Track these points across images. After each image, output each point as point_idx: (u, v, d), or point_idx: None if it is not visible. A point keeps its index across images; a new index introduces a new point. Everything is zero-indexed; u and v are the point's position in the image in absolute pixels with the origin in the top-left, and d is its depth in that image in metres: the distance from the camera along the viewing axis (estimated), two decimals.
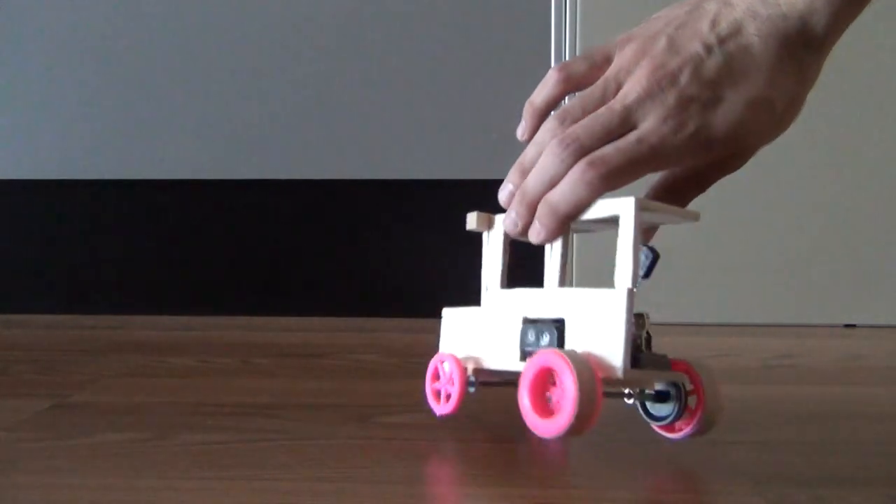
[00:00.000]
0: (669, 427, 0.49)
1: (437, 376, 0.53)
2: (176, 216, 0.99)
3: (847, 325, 0.89)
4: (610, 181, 0.41)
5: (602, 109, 0.42)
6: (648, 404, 0.50)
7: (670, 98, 0.40)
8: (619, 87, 0.43)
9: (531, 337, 0.45)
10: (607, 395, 0.42)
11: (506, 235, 0.49)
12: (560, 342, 0.43)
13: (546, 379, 0.41)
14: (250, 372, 0.71)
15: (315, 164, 0.96)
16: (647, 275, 0.38)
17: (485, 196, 0.56)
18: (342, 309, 0.97)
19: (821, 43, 0.43)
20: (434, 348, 0.56)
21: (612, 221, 0.42)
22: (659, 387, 0.48)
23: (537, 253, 0.47)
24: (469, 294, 0.53)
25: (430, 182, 0.93)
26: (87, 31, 0.96)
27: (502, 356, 0.48)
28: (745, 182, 0.88)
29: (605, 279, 0.41)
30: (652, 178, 0.47)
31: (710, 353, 0.78)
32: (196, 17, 0.94)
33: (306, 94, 0.96)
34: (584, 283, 0.90)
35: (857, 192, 0.87)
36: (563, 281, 0.45)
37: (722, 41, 0.42)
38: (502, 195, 0.47)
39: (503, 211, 0.47)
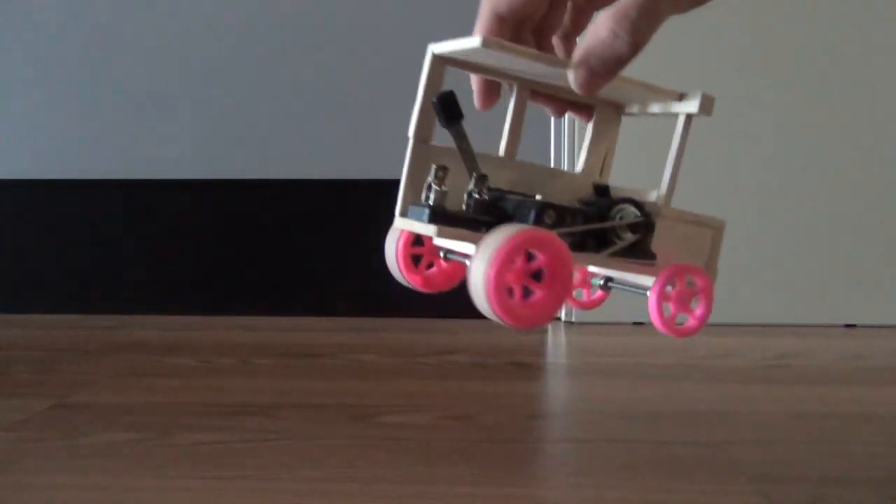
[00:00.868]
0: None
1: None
2: (176, 216, 0.99)
3: (847, 325, 0.89)
4: None
5: None
6: None
7: None
8: None
9: None
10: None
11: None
12: None
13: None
14: (250, 372, 0.71)
15: (315, 164, 0.96)
16: (447, 122, 0.33)
17: None
18: (342, 309, 0.97)
19: None
20: (435, 349, 0.56)
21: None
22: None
23: None
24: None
25: None
26: (88, 31, 0.96)
27: None
28: (745, 182, 0.88)
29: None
30: None
31: (709, 353, 0.78)
32: (196, 17, 0.94)
33: (306, 95, 0.96)
34: None
35: (857, 193, 0.87)
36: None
37: None
38: None
39: None
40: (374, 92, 0.95)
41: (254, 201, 0.98)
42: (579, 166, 0.39)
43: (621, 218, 0.35)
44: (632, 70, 0.34)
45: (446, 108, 0.33)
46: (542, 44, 0.39)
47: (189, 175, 0.97)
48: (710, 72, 0.85)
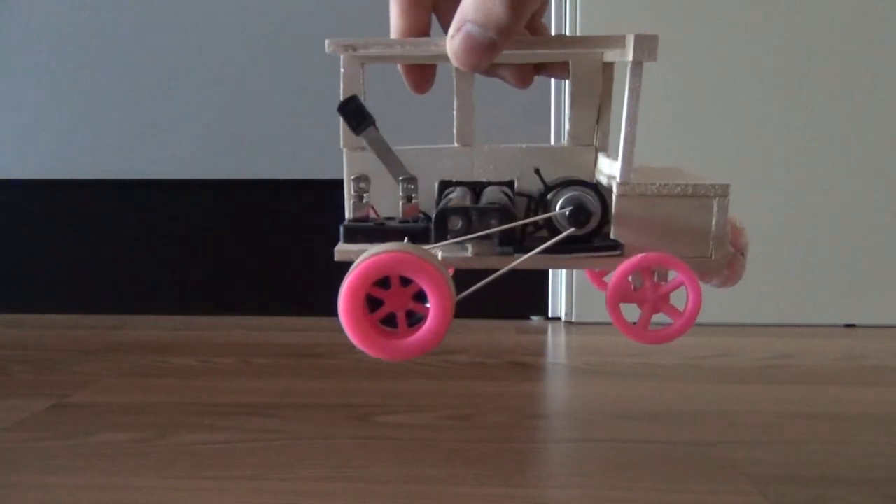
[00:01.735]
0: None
1: None
2: (175, 216, 0.99)
3: (847, 325, 0.89)
4: None
5: None
6: None
7: None
8: None
9: None
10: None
11: None
12: None
13: None
14: (250, 372, 0.71)
15: (315, 164, 0.96)
16: (356, 129, 0.30)
17: None
18: None
19: None
20: (435, 348, 0.56)
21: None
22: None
23: None
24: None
25: None
26: (87, 31, 0.96)
27: None
28: (745, 182, 0.88)
29: None
30: None
31: (710, 353, 0.78)
32: (197, 17, 0.94)
33: (306, 95, 0.96)
34: None
35: (857, 193, 0.87)
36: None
37: None
38: None
39: None
40: (375, 91, 0.95)
41: (254, 201, 0.98)
42: (565, 135, 0.33)
43: (560, 209, 0.29)
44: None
45: (351, 115, 0.31)
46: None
47: (189, 175, 0.97)
48: (709, 70, 0.85)
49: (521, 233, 0.29)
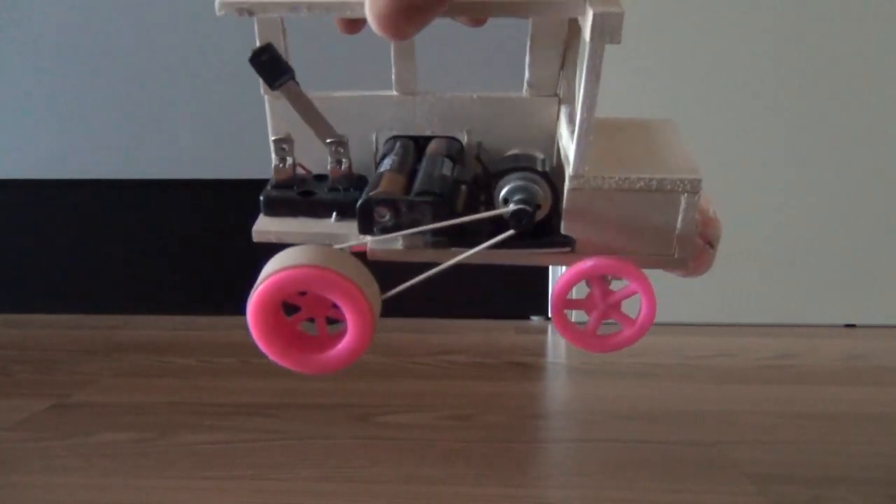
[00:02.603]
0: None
1: None
2: (176, 216, 0.99)
3: (847, 325, 0.89)
4: None
5: None
6: None
7: None
8: None
9: None
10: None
11: None
12: None
13: None
14: (250, 372, 0.71)
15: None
16: (271, 83, 0.26)
17: None
18: None
19: None
20: (435, 349, 0.56)
21: None
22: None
23: None
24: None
25: None
26: (87, 31, 0.96)
27: None
28: (745, 182, 0.88)
29: None
30: None
31: (710, 353, 0.78)
32: (197, 17, 0.94)
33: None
34: None
35: (857, 192, 0.87)
36: None
37: None
38: None
39: None
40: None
41: (254, 201, 0.98)
42: (524, 84, 0.29)
43: (505, 201, 0.25)
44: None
45: (265, 68, 0.26)
46: None
47: (189, 175, 0.97)
48: (710, 65, 0.85)
49: (460, 212, 0.26)
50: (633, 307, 0.27)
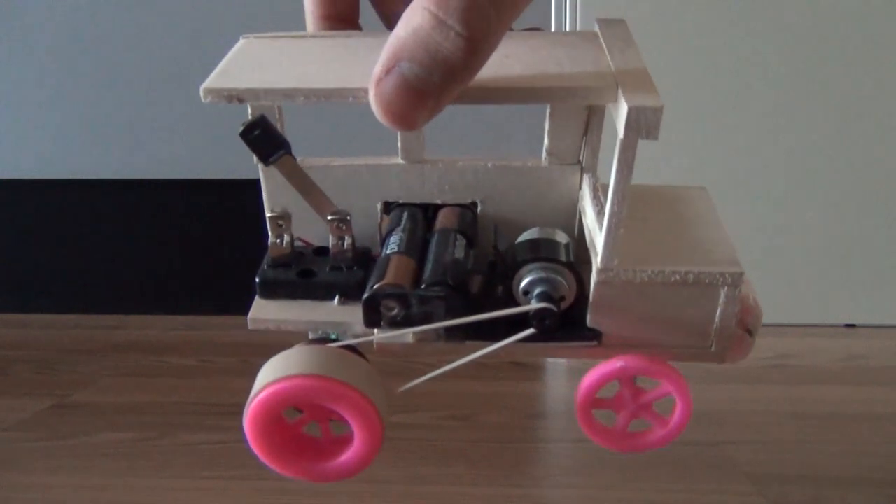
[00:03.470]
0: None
1: None
2: (176, 216, 0.99)
3: (847, 325, 0.89)
4: None
5: None
6: None
7: None
8: None
9: None
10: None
11: None
12: None
13: None
14: (250, 372, 0.71)
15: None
16: (265, 159, 0.24)
17: None
18: None
19: None
20: None
21: None
22: None
23: None
24: None
25: None
26: (87, 31, 0.96)
27: None
28: (745, 182, 0.88)
29: None
30: None
31: None
32: (197, 17, 0.94)
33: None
34: None
35: (857, 193, 0.87)
36: None
37: None
38: None
39: None
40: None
41: (254, 201, 0.98)
42: (543, 151, 0.26)
43: (525, 293, 0.23)
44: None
45: (257, 143, 0.24)
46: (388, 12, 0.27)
47: (189, 175, 0.97)
48: (712, 67, 0.85)
49: (475, 300, 0.24)
50: (666, 404, 0.25)
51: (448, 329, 0.24)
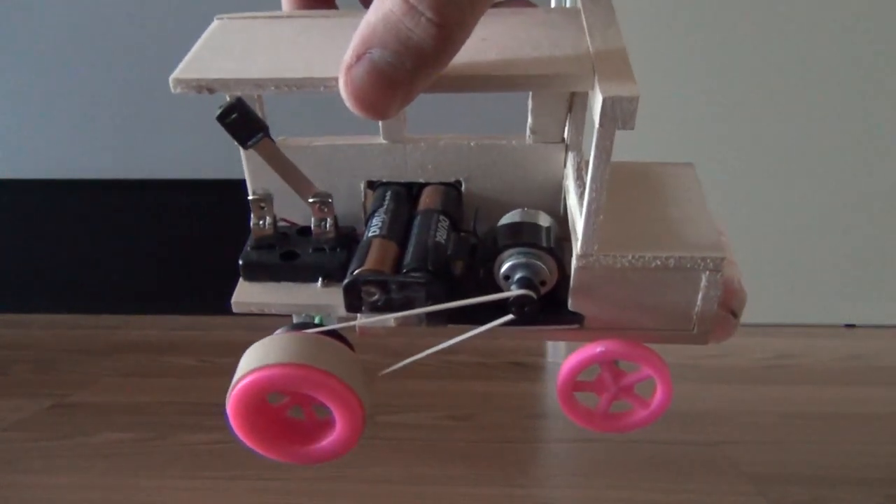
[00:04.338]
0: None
1: None
2: (176, 216, 0.99)
3: (847, 325, 0.89)
4: None
5: None
6: None
7: None
8: None
9: None
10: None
11: None
12: None
13: None
14: None
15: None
16: (244, 143, 0.24)
17: None
18: None
19: None
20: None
21: None
22: None
23: None
24: None
25: None
26: (87, 31, 0.96)
27: None
28: (745, 181, 0.88)
29: None
30: None
31: (710, 353, 0.78)
32: (197, 17, 0.94)
33: (307, 93, 0.96)
34: None
35: (857, 192, 0.87)
36: None
37: None
38: None
39: None
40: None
41: None
42: (527, 129, 0.26)
43: (506, 278, 0.23)
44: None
45: (235, 126, 0.24)
46: None
47: (189, 175, 0.97)
48: (710, 65, 0.84)
49: (456, 284, 0.23)
50: (647, 386, 0.25)
51: (430, 314, 0.24)
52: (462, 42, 0.18)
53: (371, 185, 0.26)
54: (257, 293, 0.26)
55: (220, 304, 1.03)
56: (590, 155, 0.21)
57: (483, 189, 0.26)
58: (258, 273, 0.26)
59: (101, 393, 0.64)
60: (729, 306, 0.26)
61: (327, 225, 0.25)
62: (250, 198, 0.26)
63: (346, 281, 0.23)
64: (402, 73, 0.18)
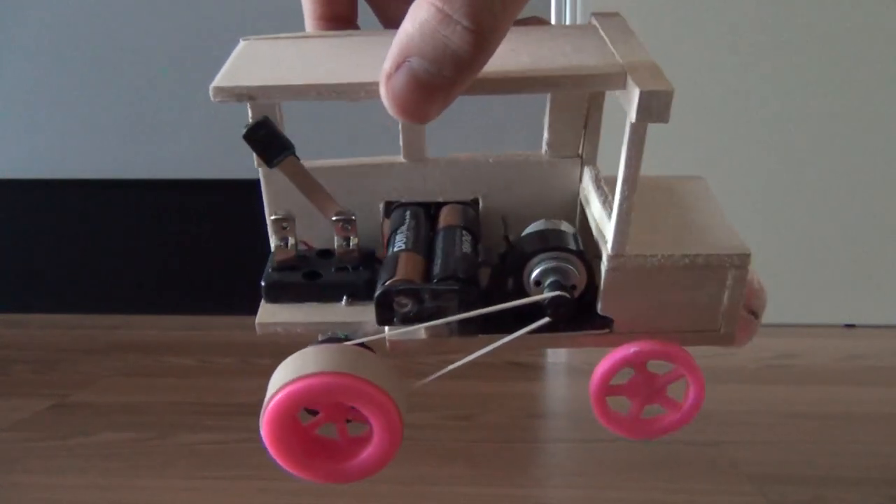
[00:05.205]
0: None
1: None
2: (176, 216, 0.99)
3: (847, 325, 0.89)
4: None
5: None
6: None
7: None
8: None
9: None
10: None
11: None
12: None
13: None
14: (250, 372, 0.71)
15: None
16: (270, 161, 0.24)
17: None
18: None
19: None
20: None
21: None
22: None
23: None
24: None
25: None
26: (87, 31, 0.96)
27: None
28: (745, 182, 0.88)
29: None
30: None
31: (710, 353, 0.77)
32: (197, 17, 0.94)
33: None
34: None
35: (857, 192, 0.87)
36: None
37: None
38: None
39: None
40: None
41: (253, 201, 0.98)
42: (543, 145, 0.26)
43: (537, 283, 0.23)
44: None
45: (261, 145, 0.24)
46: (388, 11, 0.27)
47: (189, 175, 0.97)
48: (711, 64, 0.85)
49: (485, 295, 0.24)
50: (678, 388, 0.26)
51: (461, 324, 0.24)
52: (496, 47, 0.19)
53: (388, 207, 0.27)
54: (282, 314, 0.25)
55: (220, 304, 1.04)
56: (609, 165, 0.22)
57: (500, 205, 0.26)
58: (281, 294, 0.25)
59: (101, 393, 0.64)
60: (750, 306, 0.26)
61: (350, 244, 0.25)
62: (272, 219, 0.25)
63: (377, 292, 0.23)
64: (440, 80, 0.19)
